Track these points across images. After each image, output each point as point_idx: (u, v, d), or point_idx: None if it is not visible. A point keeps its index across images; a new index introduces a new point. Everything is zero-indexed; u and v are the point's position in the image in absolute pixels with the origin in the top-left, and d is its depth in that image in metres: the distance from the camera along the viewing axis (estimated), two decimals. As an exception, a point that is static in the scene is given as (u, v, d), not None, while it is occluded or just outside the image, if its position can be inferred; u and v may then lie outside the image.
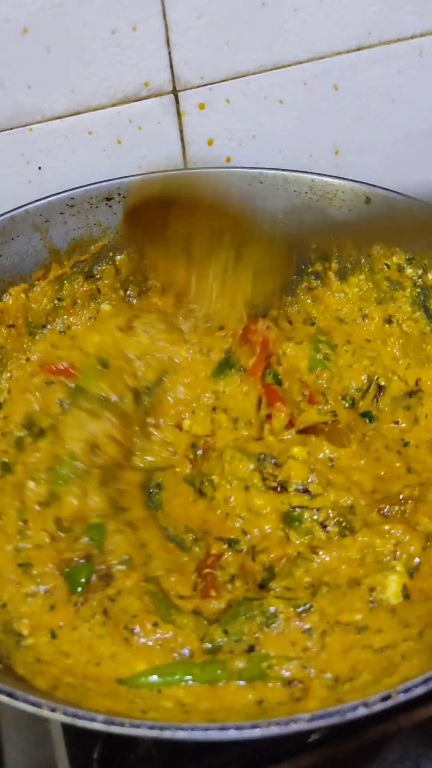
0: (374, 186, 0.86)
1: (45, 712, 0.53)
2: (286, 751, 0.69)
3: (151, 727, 0.52)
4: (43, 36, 0.81)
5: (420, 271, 0.86)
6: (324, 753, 0.69)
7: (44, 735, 0.72)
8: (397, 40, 0.93)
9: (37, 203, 0.83)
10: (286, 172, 0.88)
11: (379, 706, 0.52)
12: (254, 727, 0.52)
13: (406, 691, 0.53)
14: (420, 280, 0.86)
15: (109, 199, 0.86)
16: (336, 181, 0.87)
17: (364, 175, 0.87)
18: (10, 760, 0.72)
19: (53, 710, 0.53)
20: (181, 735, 0.52)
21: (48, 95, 0.85)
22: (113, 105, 0.88)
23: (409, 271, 0.86)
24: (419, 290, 0.86)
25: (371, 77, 0.95)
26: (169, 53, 0.86)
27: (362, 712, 0.52)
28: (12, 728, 0.73)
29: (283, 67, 0.91)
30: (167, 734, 0.52)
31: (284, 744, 0.70)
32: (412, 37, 0.93)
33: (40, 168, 0.89)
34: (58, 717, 0.52)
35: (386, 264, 0.87)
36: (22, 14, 0.80)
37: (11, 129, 0.86)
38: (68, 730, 0.70)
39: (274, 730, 0.51)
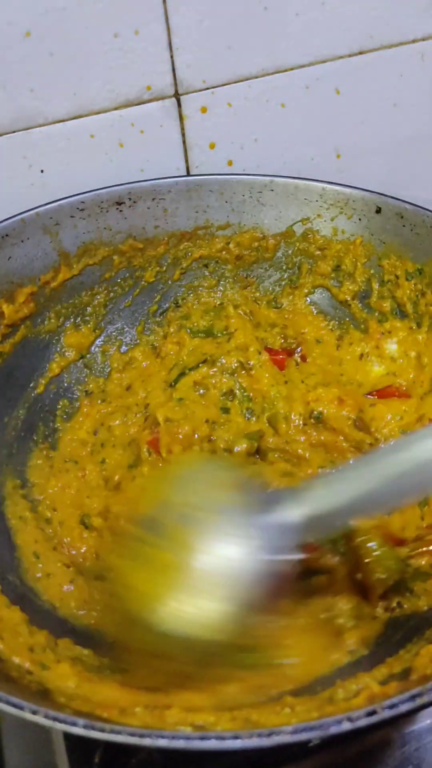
0: (384, 195, 0.86)
1: (64, 727, 0.51)
2: (287, 755, 0.69)
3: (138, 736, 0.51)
4: (45, 39, 0.81)
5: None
6: (325, 758, 0.69)
7: (45, 740, 0.71)
8: (399, 44, 0.93)
9: (48, 206, 0.83)
10: (297, 180, 0.88)
11: (364, 722, 0.51)
12: (235, 737, 0.51)
13: (392, 707, 0.52)
14: None
15: (119, 204, 0.86)
16: (347, 189, 0.87)
17: (366, 179, 0.87)
18: (11, 766, 0.72)
19: (74, 724, 0.51)
20: (161, 743, 0.51)
21: (50, 98, 0.85)
22: (115, 108, 0.88)
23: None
24: None
25: (373, 81, 0.95)
26: (172, 57, 0.86)
27: (346, 726, 0.51)
28: (13, 733, 0.73)
29: (285, 70, 0.91)
30: (162, 743, 0.50)
31: (286, 749, 0.69)
32: (414, 41, 0.93)
33: (42, 171, 0.89)
34: (79, 731, 0.51)
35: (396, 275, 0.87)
36: (24, 17, 0.80)
37: (13, 132, 0.86)
38: (69, 735, 0.70)
39: (256, 742, 0.51)
